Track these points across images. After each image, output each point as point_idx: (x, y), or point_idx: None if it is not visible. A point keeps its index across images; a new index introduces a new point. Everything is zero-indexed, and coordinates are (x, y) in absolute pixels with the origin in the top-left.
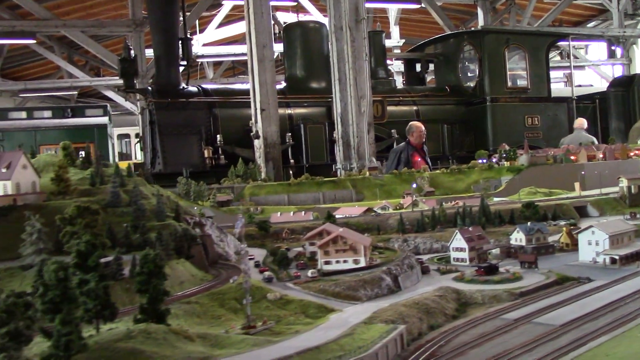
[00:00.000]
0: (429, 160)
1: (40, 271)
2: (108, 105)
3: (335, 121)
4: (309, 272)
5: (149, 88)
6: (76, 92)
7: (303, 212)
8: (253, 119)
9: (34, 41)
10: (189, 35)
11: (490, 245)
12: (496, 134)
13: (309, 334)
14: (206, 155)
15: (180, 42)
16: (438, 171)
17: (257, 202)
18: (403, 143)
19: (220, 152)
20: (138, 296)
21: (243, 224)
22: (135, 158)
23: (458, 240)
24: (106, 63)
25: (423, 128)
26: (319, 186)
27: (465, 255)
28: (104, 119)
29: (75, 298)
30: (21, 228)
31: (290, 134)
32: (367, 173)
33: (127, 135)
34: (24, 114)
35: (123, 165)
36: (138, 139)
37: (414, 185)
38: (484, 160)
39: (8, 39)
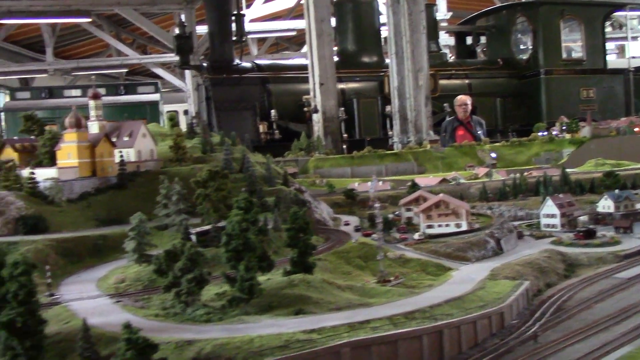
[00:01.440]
0: (480, 133)
1: (186, 228)
2: (159, 82)
3: (392, 95)
4: (416, 235)
5: (204, 64)
6: (125, 70)
7: (381, 182)
8: (311, 93)
9: (89, 20)
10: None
11: (580, 211)
12: (550, 107)
13: (444, 287)
14: (261, 130)
15: (233, 17)
16: (498, 144)
17: (321, 174)
18: (452, 117)
19: (274, 127)
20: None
21: (376, 185)
22: None
23: (549, 207)
24: (153, 41)
25: (466, 101)
26: (381, 159)
27: (556, 221)
28: (156, 96)
29: (255, 247)
30: (146, 192)
31: (343, 108)
32: (428, 146)
33: (176, 111)
34: (78, 92)
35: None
36: (194, 116)
37: (494, 155)
38: (544, 133)
39: (64, 18)
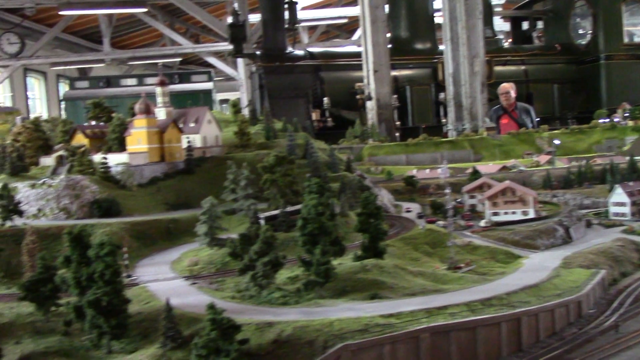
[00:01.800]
0: (528, 120)
1: (255, 213)
2: (212, 71)
3: (446, 82)
4: (482, 222)
5: (257, 53)
6: (179, 59)
7: (439, 169)
8: (365, 80)
9: (144, 10)
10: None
11: None
12: (611, 94)
13: (517, 275)
14: (314, 117)
15: (286, 5)
16: (557, 131)
17: (375, 161)
18: (498, 105)
19: (327, 114)
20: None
21: (446, 171)
22: None
23: (618, 195)
24: (206, 30)
25: (509, 89)
26: (437, 146)
27: (626, 209)
28: (209, 85)
29: (330, 231)
30: (212, 177)
31: (395, 96)
32: (485, 133)
33: (227, 101)
34: (134, 81)
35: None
36: (247, 104)
37: (557, 142)
38: (606, 120)
39: (120, 9)
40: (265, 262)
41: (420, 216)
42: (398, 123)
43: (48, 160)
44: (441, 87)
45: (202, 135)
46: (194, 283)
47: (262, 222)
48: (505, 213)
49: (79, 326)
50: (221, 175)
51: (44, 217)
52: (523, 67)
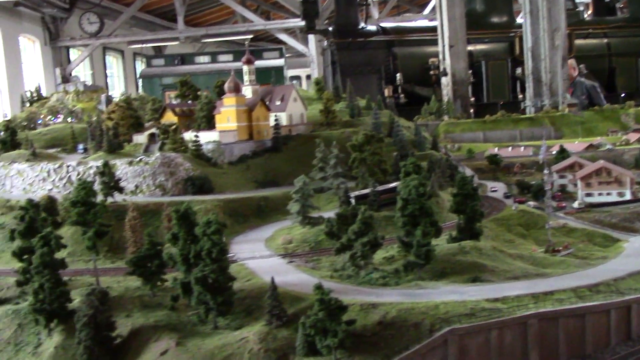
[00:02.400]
0: (583, 99)
1: (346, 192)
2: (283, 48)
3: (525, 56)
4: (575, 203)
5: (330, 29)
6: (250, 36)
7: (522, 147)
8: (440, 55)
9: None
10: None
11: None
12: None
13: (620, 260)
14: (386, 94)
15: None
16: None
17: (452, 139)
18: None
19: (399, 90)
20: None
21: (547, 151)
22: None
23: None
24: (276, 6)
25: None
26: (515, 123)
27: None
28: (281, 61)
29: (431, 212)
30: (298, 155)
31: (470, 71)
32: (566, 110)
33: (298, 77)
34: (208, 59)
35: None
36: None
37: None
38: None
39: None
40: (364, 243)
41: (507, 196)
42: (472, 99)
43: (140, 138)
44: (518, 61)
45: (288, 113)
46: (291, 261)
47: (353, 201)
48: (600, 194)
49: (184, 301)
50: (308, 154)
51: (141, 194)
52: (605, 40)
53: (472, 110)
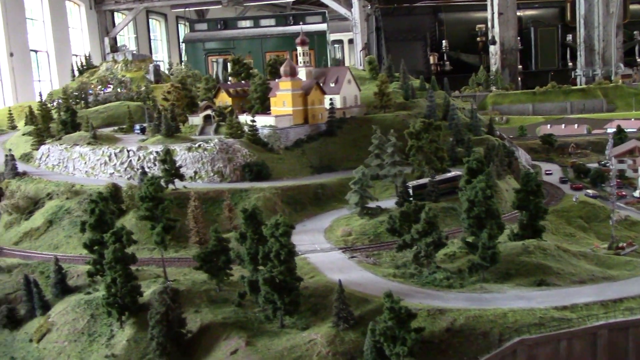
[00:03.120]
0: None
1: (404, 182)
2: (326, 12)
3: (578, 24)
4: (637, 192)
5: None
6: (292, 0)
7: (576, 124)
8: (489, 23)
9: None
10: None
11: None
12: None
13: None
14: (431, 61)
15: None
16: None
17: (500, 110)
18: None
19: (445, 58)
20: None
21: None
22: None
23: None
24: None
25: None
26: (566, 95)
27: None
28: (323, 26)
29: (498, 214)
30: (353, 139)
31: (519, 37)
32: (620, 81)
33: (340, 41)
34: (250, 23)
35: None
36: (363, 47)
37: None
38: None
39: None
40: (428, 243)
41: (563, 181)
42: (520, 67)
43: (196, 120)
44: (569, 28)
45: (342, 95)
46: (353, 257)
47: (410, 191)
48: None
49: (251, 298)
50: (362, 137)
51: (200, 180)
52: None
53: (519, 79)
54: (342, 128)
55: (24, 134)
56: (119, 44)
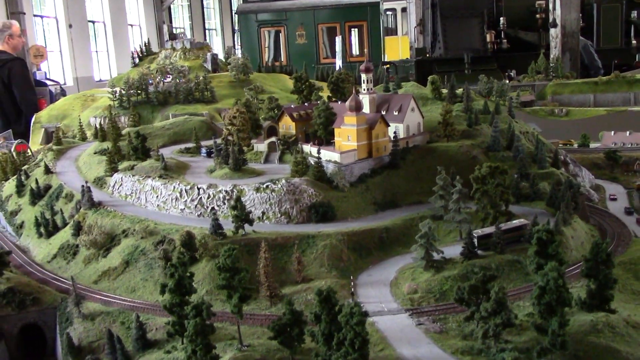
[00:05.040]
0: (587, 58)
1: (470, 231)
2: None
3: None
4: None
5: None
6: None
7: (629, 132)
8: (550, 5)
9: None
10: None
11: None
12: None
13: None
14: (488, 39)
15: None
16: None
17: (560, 101)
18: None
19: (502, 36)
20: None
21: None
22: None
23: None
24: None
25: None
26: (630, 86)
27: None
28: None
29: (569, 301)
30: (416, 170)
31: (580, 14)
32: None
33: (393, 9)
34: None
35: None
36: (418, 23)
37: None
38: None
39: None
40: (497, 323)
41: (629, 212)
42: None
43: (261, 147)
44: (634, 4)
45: (405, 124)
46: (420, 324)
47: (475, 241)
48: None
49: None
50: (425, 169)
51: (267, 220)
52: None
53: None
54: (406, 159)
55: (95, 153)
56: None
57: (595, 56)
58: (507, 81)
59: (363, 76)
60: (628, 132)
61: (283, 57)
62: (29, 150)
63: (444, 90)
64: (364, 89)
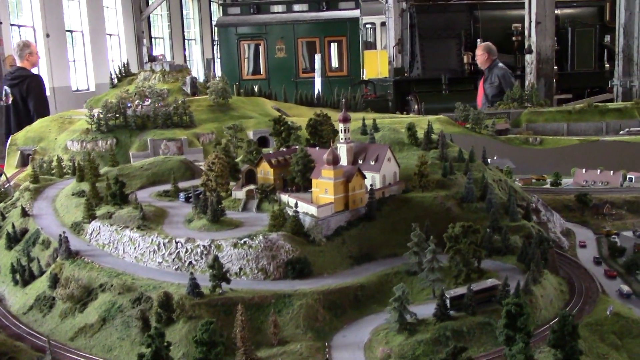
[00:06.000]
0: (488, 88)
1: (442, 295)
2: None
3: (617, 32)
4: None
5: None
6: None
7: (611, 171)
8: (526, 32)
9: None
10: None
11: None
12: None
13: None
14: (465, 60)
15: None
16: None
17: (534, 129)
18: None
19: None
20: None
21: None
22: (382, 47)
23: None
24: None
25: (478, 51)
26: (602, 115)
27: None
28: (356, 12)
29: None
30: (392, 222)
31: (555, 38)
32: None
33: (373, 23)
34: (283, 8)
35: (371, 56)
36: (396, 42)
37: None
38: None
39: None
40: None
41: (597, 262)
42: (556, 68)
43: (239, 194)
44: (607, 27)
45: (382, 174)
46: None
47: (448, 302)
48: None
49: None
50: (401, 220)
51: (244, 276)
52: None
53: (555, 80)
54: (382, 210)
55: (73, 194)
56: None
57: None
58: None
59: (341, 126)
60: (599, 170)
61: (262, 70)
62: (3, 176)
63: (420, 135)
64: (342, 139)
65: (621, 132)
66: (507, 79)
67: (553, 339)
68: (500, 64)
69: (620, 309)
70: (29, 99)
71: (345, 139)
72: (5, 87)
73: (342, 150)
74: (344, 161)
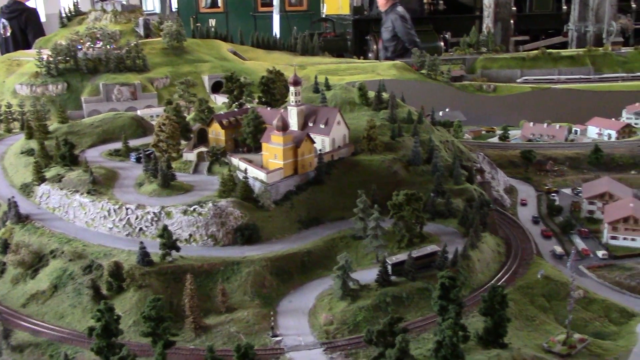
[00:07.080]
0: (384, 32)
1: (384, 261)
2: None
3: None
4: (600, 254)
5: None
6: None
7: (557, 125)
8: None
9: None
10: None
11: None
12: None
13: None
14: (425, 0)
15: None
16: None
17: (488, 76)
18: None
19: None
20: None
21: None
22: None
23: None
24: None
25: None
26: (555, 62)
27: None
28: None
29: (462, 356)
30: (341, 186)
31: None
32: (609, 48)
33: None
34: None
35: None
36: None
37: None
38: None
39: None
40: None
41: (535, 221)
42: (514, 9)
43: (190, 156)
44: None
45: (331, 137)
46: (332, 358)
47: (389, 268)
48: (625, 239)
49: None
50: (349, 184)
51: (194, 243)
52: None
53: (512, 22)
54: (331, 174)
55: (22, 152)
56: None
57: (412, 30)
58: (442, 43)
59: (292, 89)
60: (545, 124)
61: (220, 3)
62: None
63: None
64: (293, 101)
65: (518, 80)
66: (399, 27)
67: (484, 308)
68: (399, 9)
69: (550, 271)
70: (28, 30)
71: (296, 101)
72: (3, 20)
73: (293, 114)
74: (294, 124)
